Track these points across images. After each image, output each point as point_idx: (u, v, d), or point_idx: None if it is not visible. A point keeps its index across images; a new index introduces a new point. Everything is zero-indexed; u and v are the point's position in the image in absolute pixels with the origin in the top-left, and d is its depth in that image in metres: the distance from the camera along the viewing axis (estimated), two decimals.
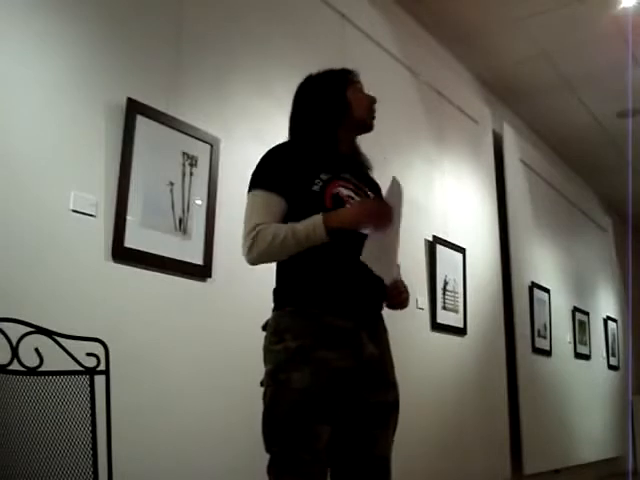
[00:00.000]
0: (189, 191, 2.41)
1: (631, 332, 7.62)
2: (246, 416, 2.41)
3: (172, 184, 2.35)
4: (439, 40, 4.45)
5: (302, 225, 1.59)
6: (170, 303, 2.30)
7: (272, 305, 1.69)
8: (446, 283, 3.91)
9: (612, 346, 6.86)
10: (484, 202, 4.63)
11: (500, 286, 4.59)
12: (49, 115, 2.04)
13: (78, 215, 2.06)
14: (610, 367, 6.74)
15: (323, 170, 1.69)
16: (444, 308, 3.85)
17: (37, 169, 1.98)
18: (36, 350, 1.64)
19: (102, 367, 1.76)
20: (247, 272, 2.56)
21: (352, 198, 1.70)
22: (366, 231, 1.62)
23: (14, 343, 1.63)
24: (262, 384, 1.63)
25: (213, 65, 2.62)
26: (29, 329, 1.67)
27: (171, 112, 2.38)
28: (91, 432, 1.70)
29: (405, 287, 1.77)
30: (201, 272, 2.41)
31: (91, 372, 1.74)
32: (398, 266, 1.78)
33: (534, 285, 5.08)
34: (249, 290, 2.54)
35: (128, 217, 2.18)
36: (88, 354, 1.73)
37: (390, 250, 1.70)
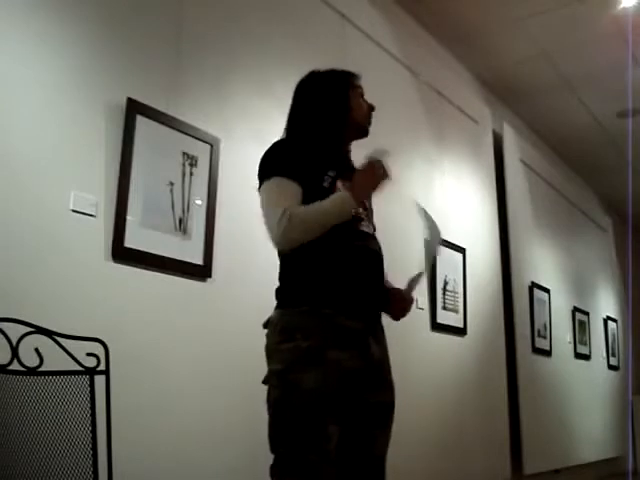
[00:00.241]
0: (189, 191, 2.41)
1: (631, 332, 7.62)
2: (246, 416, 2.42)
3: (172, 184, 2.35)
4: (439, 40, 4.45)
5: (329, 206, 1.61)
6: (170, 303, 2.30)
7: (272, 304, 1.68)
8: (446, 283, 3.91)
9: (612, 346, 6.86)
10: (484, 202, 4.63)
11: (500, 286, 4.59)
12: (49, 115, 2.04)
13: (78, 215, 2.06)
14: (610, 367, 6.74)
15: (330, 167, 1.70)
16: (444, 308, 3.85)
17: (37, 169, 1.98)
18: (36, 350, 1.64)
19: (102, 367, 1.76)
20: (247, 272, 2.59)
21: None
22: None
23: (14, 343, 1.63)
24: (265, 382, 1.61)
25: (213, 65, 2.62)
26: (29, 329, 1.67)
27: (171, 112, 2.38)
28: (91, 432, 1.70)
29: (412, 300, 1.81)
30: (201, 272, 2.41)
31: (91, 372, 1.74)
32: (420, 275, 1.80)
33: (534, 285, 5.08)
34: (249, 290, 2.55)
35: (128, 217, 2.18)
36: (88, 354, 1.73)
37: None
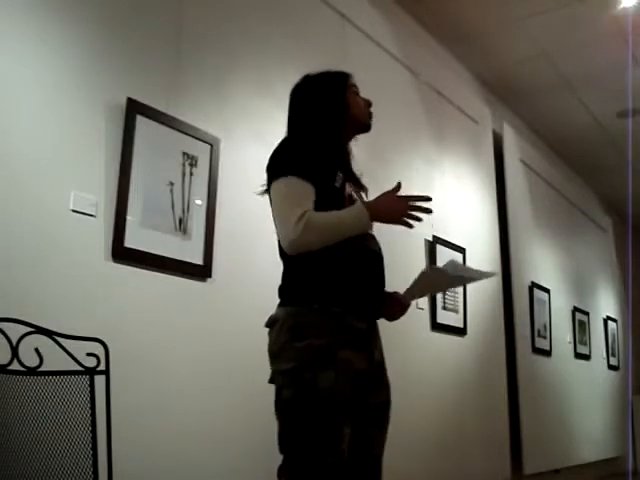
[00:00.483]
0: (189, 191, 2.41)
1: (631, 332, 7.62)
2: (246, 416, 2.42)
3: (172, 184, 2.35)
4: (439, 40, 4.45)
5: (346, 217, 1.60)
6: (170, 303, 2.30)
7: (272, 304, 1.68)
8: None
9: (612, 346, 6.86)
10: (484, 202, 4.63)
11: (500, 286, 4.59)
12: (49, 115, 2.04)
13: (78, 215, 2.06)
14: (610, 367, 6.74)
15: (338, 167, 1.70)
16: (444, 308, 3.85)
17: (37, 169, 1.98)
18: (36, 350, 1.64)
19: (102, 367, 1.75)
20: (247, 272, 2.59)
21: (353, 201, 1.72)
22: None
23: (14, 343, 1.63)
24: (273, 382, 1.60)
25: (213, 65, 2.62)
26: (29, 329, 1.67)
27: (171, 112, 2.38)
28: (91, 432, 1.70)
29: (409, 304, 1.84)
30: (201, 272, 2.41)
31: (91, 372, 1.74)
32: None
33: (534, 285, 5.08)
34: (249, 290, 2.55)
35: (128, 217, 2.18)
36: (88, 354, 1.73)
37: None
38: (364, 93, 1.87)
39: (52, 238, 1.99)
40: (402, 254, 3.42)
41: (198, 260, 2.40)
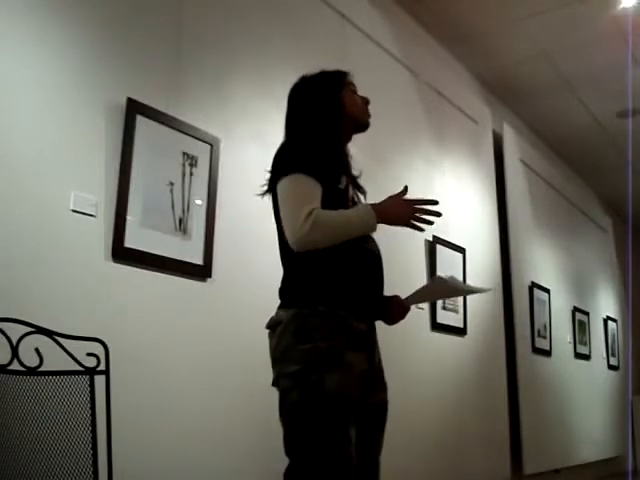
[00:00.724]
0: (189, 191, 2.41)
1: (631, 332, 7.62)
2: (246, 416, 2.42)
3: (172, 184, 2.35)
4: (439, 40, 4.45)
5: (354, 216, 1.61)
6: (170, 303, 2.30)
7: (272, 304, 1.68)
8: None
9: (612, 346, 6.86)
10: (484, 202, 4.63)
11: (500, 286, 4.59)
12: (49, 115, 2.04)
13: (78, 215, 2.06)
14: (610, 367, 6.74)
15: (341, 169, 1.70)
16: (444, 308, 3.85)
17: (37, 169, 1.98)
18: (36, 350, 1.64)
19: (102, 367, 1.75)
20: (247, 272, 2.59)
21: (355, 203, 1.72)
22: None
23: (14, 343, 1.63)
24: (276, 384, 1.59)
25: (213, 65, 2.62)
26: (29, 329, 1.67)
27: (171, 112, 2.38)
28: (91, 432, 1.70)
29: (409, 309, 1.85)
30: (201, 272, 2.41)
31: (91, 372, 1.74)
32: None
33: (534, 285, 5.08)
34: (249, 290, 2.55)
35: (128, 217, 2.18)
36: (88, 354, 1.73)
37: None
38: (364, 93, 1.87)
39: (52, 238, 1.99)
40: (402, 254, 3.42)
41: (198, 260, 2.40)
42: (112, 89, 2.22)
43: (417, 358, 3.52)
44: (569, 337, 5.74)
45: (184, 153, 2.41)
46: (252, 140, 2.68)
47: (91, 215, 2.09)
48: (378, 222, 1.62)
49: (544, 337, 5.14)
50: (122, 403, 1.87)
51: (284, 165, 1.64)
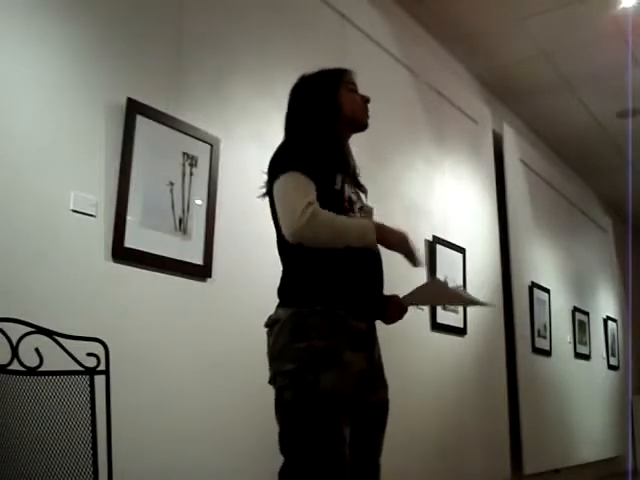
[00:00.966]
0: (189, 191, 2.41)
1: (631, 332, 7.62)
2: (246, 416, 2.42)
3: (172, 184, 2.35)
4: (439, 40, 4.45)
5: (354, 224, 1.61)
6: (170, 303, 2.30)
7: (272, 304, 1.68)
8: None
9: (612, 346, 6.86)
10: (484, 202, 4.63)
11: (500, 286, 4.59)
12: (49, 115, 2.04)
13: (78, 215, 2.06)
14: (610, 367, 6.74)
15: (337, 169, 1.69)
16: (444, 308, 3.85)
17: (37, 169, 1.98)
18: (36, 350, 1.64)
19: (102, 367, 1.75)
20: (247, 272, 2.59)
21: (354, 203, 1.72)
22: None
23: (14, 343, 1.63)
24: (273, 383, 1.60)
25: (213, 65, 2.62)
26: (29, 329, 1.67)
27: (171, 112, 2.39)
28: (91, 432, 1.70)
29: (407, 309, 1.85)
30: (201, 272, 2.41)
31: (91, 372, 1.74)
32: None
33: (534, 285, 5.08)
34: (249, 290, 2.55)
35: (128, 217, 2.18)
36: (88, 354, 1.73)
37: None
38: (363, 93, 1.86)
39: (52, 238, 1.99)
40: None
41: (198, 260, 2.40)
42: (112, 89, 2.22)
43: (417, 358, 3.52)
44: (569, 337, 5.74)
45: (184, 153, 2.41)
46: (252, 140, 2.68)
47: (91, 215, 2.09)
48: (379, 240, 1.64)
49: (544, 337, 5.14)
50: (122, 403, 1.87)
51: (279, 165, 1.65)
